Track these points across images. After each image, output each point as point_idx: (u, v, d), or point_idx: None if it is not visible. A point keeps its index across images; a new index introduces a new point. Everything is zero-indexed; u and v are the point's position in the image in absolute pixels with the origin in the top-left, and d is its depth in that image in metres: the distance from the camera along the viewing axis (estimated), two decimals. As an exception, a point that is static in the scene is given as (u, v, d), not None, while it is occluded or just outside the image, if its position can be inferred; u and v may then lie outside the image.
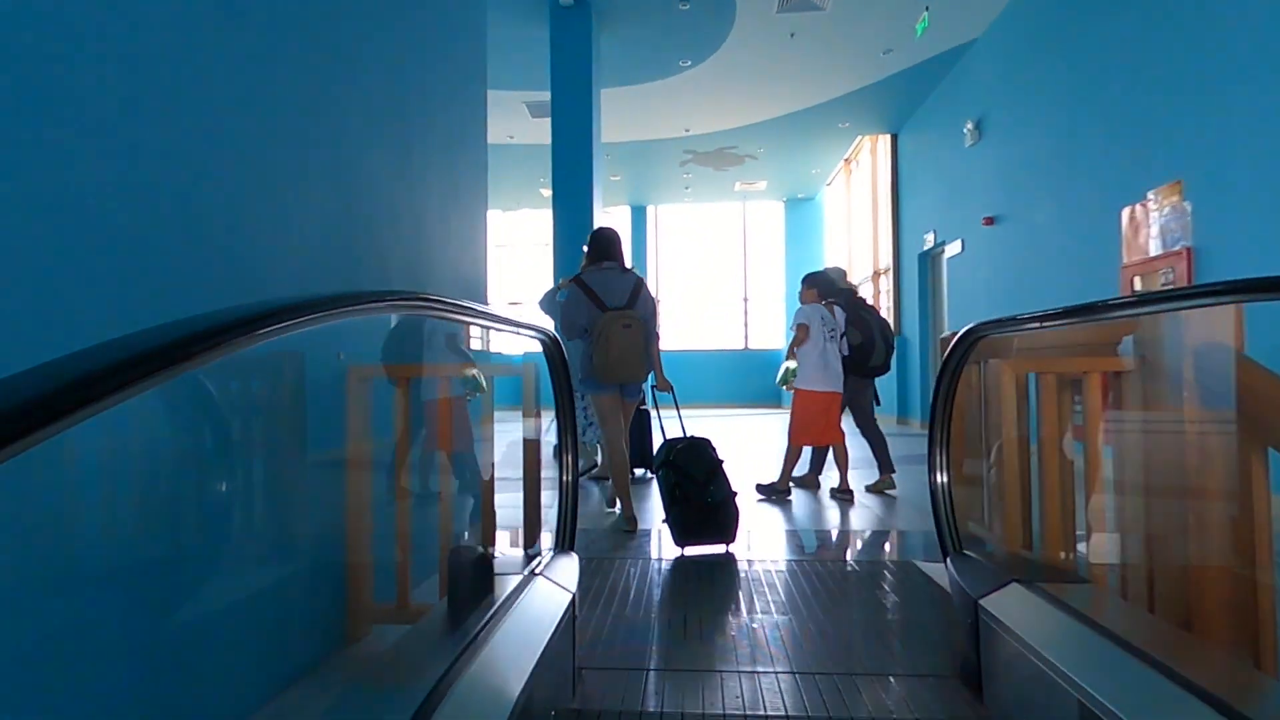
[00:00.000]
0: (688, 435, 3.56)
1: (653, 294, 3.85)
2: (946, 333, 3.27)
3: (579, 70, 6.86)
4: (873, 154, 11.50)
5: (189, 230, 1.45)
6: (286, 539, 1.86)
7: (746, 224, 15.40)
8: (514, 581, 1.61)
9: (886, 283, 11.02)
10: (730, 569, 2.93)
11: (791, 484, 4.59)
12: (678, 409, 3.94)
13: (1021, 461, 2.01)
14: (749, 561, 3.02)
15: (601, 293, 3.57)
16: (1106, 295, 5.17)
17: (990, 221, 7.19)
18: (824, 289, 4.53)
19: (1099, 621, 1.39)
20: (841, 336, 4.48)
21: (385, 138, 2.47)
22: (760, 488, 4.51)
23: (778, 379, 5.43)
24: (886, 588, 2.66)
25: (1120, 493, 1.69)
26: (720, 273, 15.74)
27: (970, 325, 1.90)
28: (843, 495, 4.40)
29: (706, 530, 3.17)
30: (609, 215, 14.04)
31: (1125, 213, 5.01)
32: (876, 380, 4.87)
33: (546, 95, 7.07)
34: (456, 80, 3.21)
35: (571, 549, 1.99)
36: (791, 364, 4.58)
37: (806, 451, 4.77)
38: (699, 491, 3.18)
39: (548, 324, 5.25)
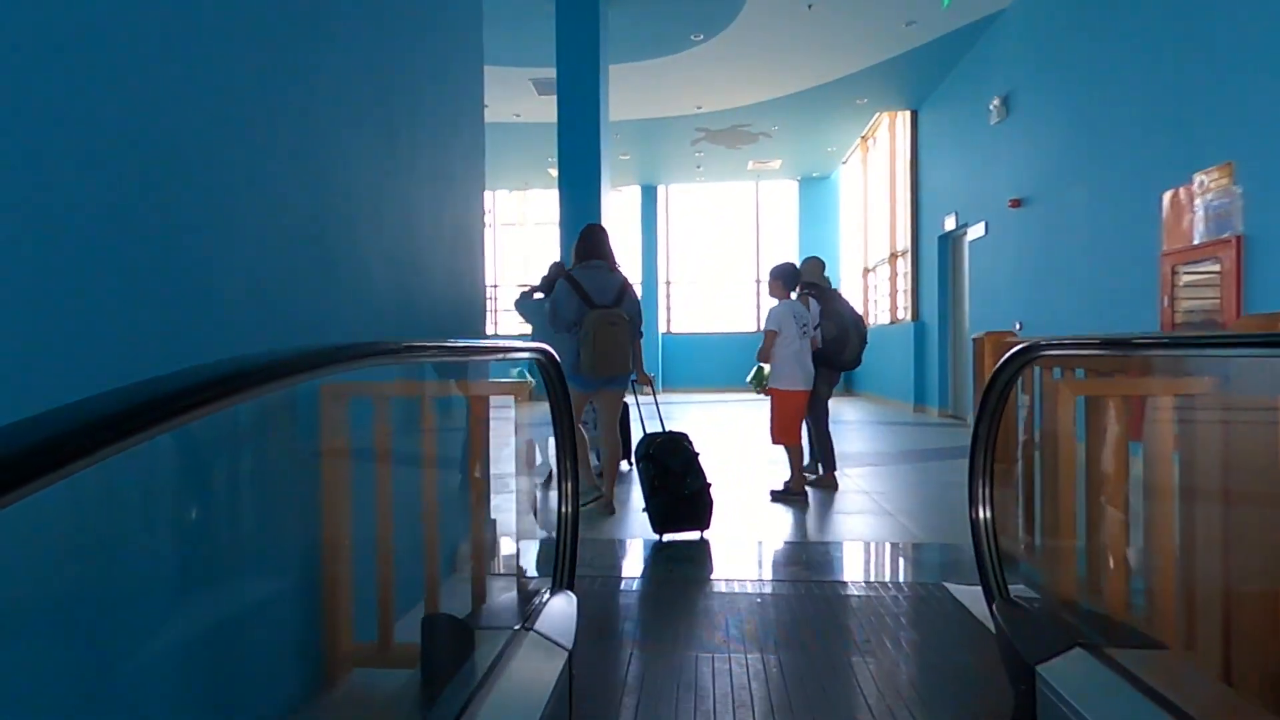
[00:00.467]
0: (665, 429, 3.75)
1: (637, 294, 4.08)
2: (977, 332, 3.01)
3: (585, 45, 6.55)
4: (891, 131, 11.10)
5: (105, 223, 1.22)
6: (257, 567, 1.67)
7: (759, 203, 15.03)
8: (501, 641, 1.41)
9: (904, 265, 10.69)
10: (725, 594, 2.73)
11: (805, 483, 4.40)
12: (656, 402, 4.11)
13: (1074, 492, 1.77)
14: (744, 583, 2.80)
15: (590, 290, 3.73)
16: (1143, 284, 4.90)
17: (1017, 203, 6.86)
18: (788, 281, 4.42)
19: (1185, 709, 1.17)
20: (815, 329, 4.43)
21: (364, 113, 2.23)
22: (775, 494, 4.34)
23: (748, 378, 5.32)
24: (918, 623, 2.38)
25: (1203, 541, 1.45)
26: (732, 254, 15.41)
27: (1024, 344, 1.65)
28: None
29: (684, 518, 3.41)
30: (618, 194, 13.74)
31: (1167, 196, 4.69)
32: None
33: (553, 72, 6.77)
34: (449, 52, 2.96)
35: (570, 588, 1.78)
36: (765, 366, 4.49)
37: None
38: (677, 483, 3.40)
39: (527, 328, 5.07)
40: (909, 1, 6.88)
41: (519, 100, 9.47)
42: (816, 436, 4.59)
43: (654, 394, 4.16)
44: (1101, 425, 1.71)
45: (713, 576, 2.93)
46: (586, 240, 3.97)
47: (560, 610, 1.63)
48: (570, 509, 1.81)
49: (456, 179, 2.99)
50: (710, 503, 3.45)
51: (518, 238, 18.70)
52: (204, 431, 1.46)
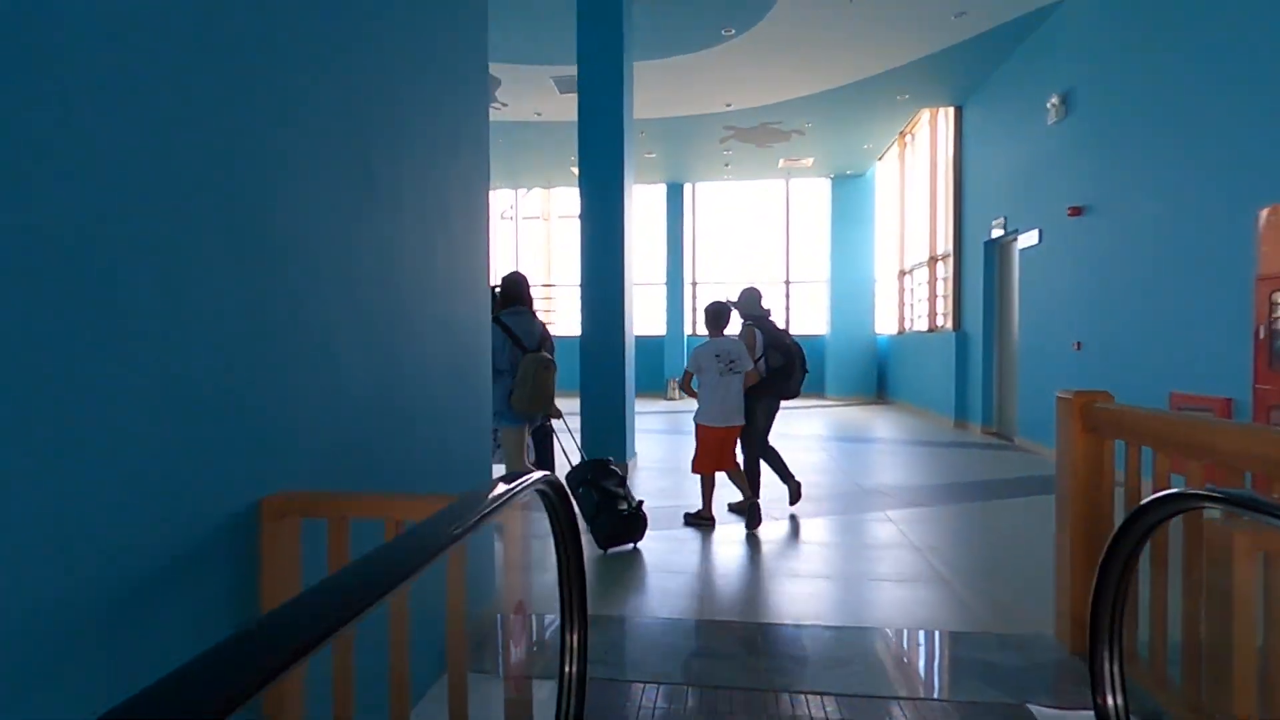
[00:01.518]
0: (587, 457, 4.39)
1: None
2: (1066, 392, 2.54)
3: (608, 42, 6.10)
4: (932, 128, 10.49)
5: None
6: None
7: (790, 202, 14.46)
8: None
9: (944, 270, 10.11)
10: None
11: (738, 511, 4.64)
12: (569, 430, 4.86)
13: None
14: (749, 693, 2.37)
15: (520, 334, 4.09)
16: (1232, 310, 4.33)
17: (1077, 211, 6.28)
18: (719, 320, 4.52)
19: None
20: (760, 359, 4.55)
21: (322, 112, 1.85)
22: (687, 517, 4.49)
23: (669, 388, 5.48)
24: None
25: None
26: (761, 254, 14.88)
27: (1170, 491, 1.19)
28: (738, 510, 4.66)
29: (625, 533, 3.88)
30: (643, 192, 13.27)
31: (1264, 213, 4.13)
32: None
33: (575, 69, 6.34)
34: (442, 50, 2.56)
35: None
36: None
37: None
38: (616, 502, 3.88)
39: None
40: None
41: (540, 99, 9.06)
42: (746, 465, 4.63)
43: (566, 425, 4.66)
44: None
45: (719, 686, 2.42)
46: (509, 288, 4.30)
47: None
48: (575, 669, 1.40)
49: (454, 198, 2.58)
50: (645, 518, 3.96)
51: (540, 231, 18.37)
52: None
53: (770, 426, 4.75)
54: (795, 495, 4.74)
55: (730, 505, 4.80)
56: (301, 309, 1.65)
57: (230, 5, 1.42)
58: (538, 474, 1.23)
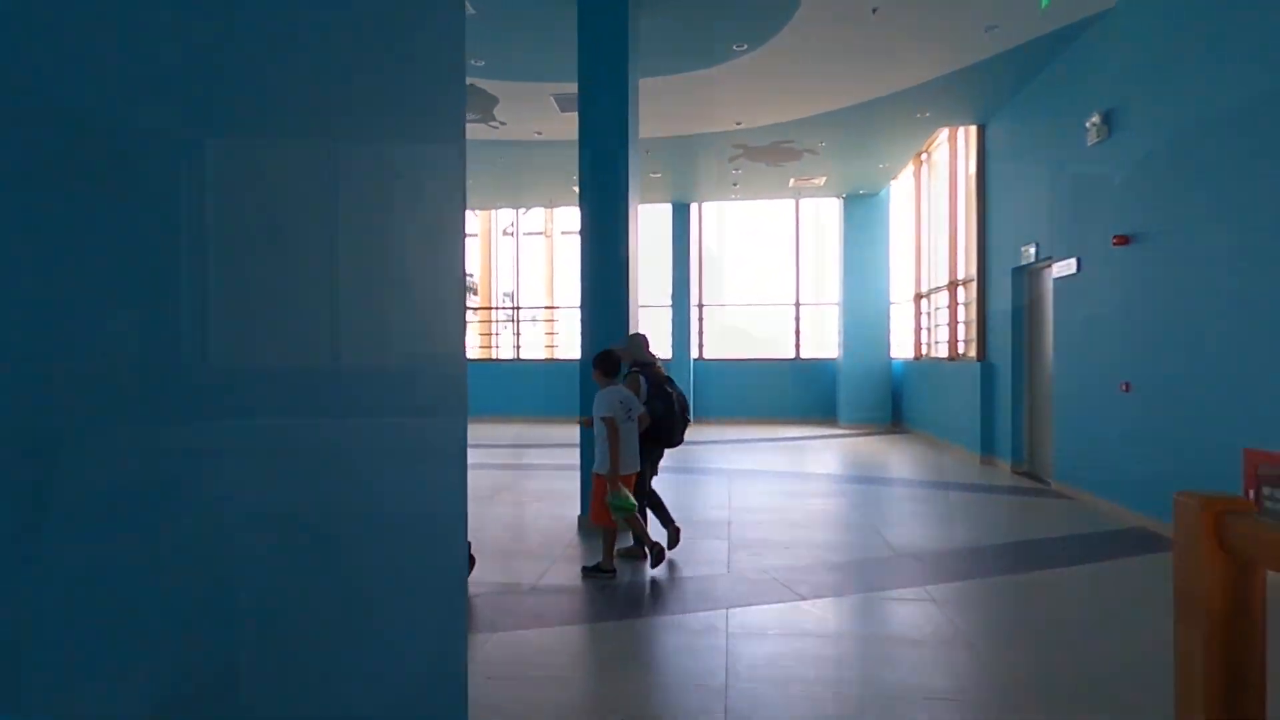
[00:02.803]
0: None
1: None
2: (1190, 495, 1.96)
3: (611, 58, 5.64)
4: (951, 147, 10.00)
5: None
6: None
7: (800, 222, 13.98)
8: None
9: (965, 295, 9.58)
10: None
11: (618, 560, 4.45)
12: None
13: None
14: None
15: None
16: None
17: (1124, 240, 5.75)
18: (610, 368, 4.46)
19: None
20: (644, 406, 4.56)
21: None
22: (586, 570, 4.32)
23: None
24: None
25: None
26: (771, 275, 14.38)
27: None
28: (630, 554, 4.60)
29: None
30: (648, 212, 12.80)
31: (1365, 250, 3.61)
32: None
33: (575, 87, 5.88)
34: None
35: None
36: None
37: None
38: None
39: None
40: (993, 3, 5.85)
41: (541, 118, 8.60)
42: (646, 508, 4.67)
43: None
44: None
45: None
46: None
47: None
48: None
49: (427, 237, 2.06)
50: (473, 558, 3.98)
51: (542, 247, 17.92)
52: None
53: (655, 474, 4.89)
54: (674, 540, 4.65)
55: (619, 550, 4.63)
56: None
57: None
58: None
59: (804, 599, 3.89)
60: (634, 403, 4.47)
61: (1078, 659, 3.16)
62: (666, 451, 4.91)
